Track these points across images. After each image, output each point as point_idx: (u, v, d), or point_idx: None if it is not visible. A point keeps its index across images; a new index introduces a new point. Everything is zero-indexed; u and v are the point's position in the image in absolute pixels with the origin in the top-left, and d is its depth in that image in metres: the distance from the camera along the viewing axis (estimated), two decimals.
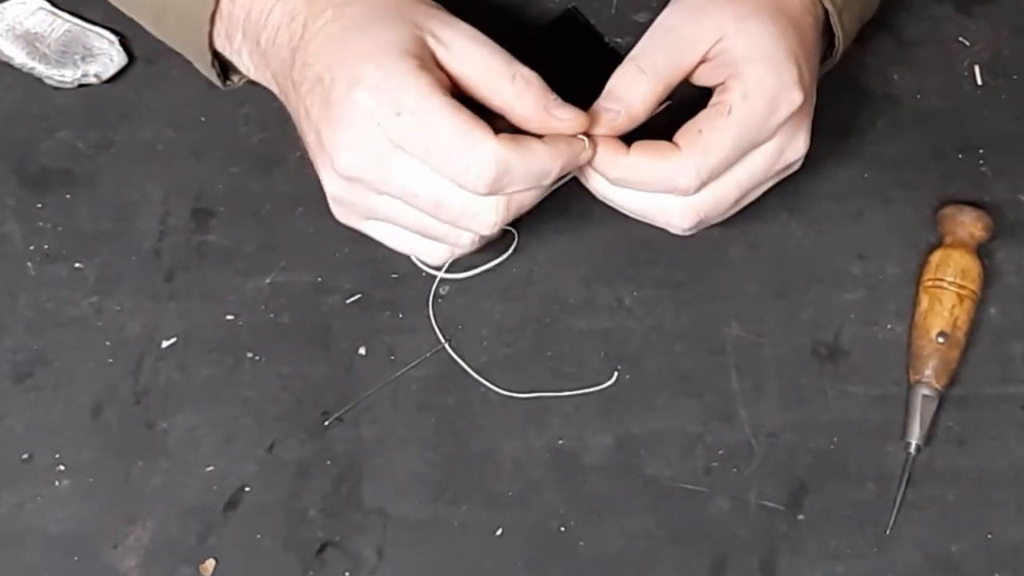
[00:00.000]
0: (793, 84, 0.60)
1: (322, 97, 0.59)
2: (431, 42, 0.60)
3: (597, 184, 0.63)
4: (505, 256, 0.70)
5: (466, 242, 0.62)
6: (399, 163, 0.59)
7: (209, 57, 0.66)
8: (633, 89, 0.61)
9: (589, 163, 0.62)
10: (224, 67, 0.68)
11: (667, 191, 0.62)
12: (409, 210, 0.61)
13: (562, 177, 0.62)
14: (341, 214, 0.64)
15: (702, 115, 0.61)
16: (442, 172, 0.58)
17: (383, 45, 0.59)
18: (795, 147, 0.63)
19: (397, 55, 0.58)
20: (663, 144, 0.61)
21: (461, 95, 0.60)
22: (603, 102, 0.62)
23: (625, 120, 0.61)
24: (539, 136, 0.60)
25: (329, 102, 0.59)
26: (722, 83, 0.61)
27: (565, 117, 0.60)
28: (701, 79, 0.63)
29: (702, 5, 0.62)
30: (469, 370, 0.67)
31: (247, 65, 0.66)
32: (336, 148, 0.59)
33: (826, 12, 0.65)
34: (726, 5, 0.61)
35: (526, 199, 0.61)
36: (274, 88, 0.65)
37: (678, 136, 0.61)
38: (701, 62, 0.62)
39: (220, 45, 0.66)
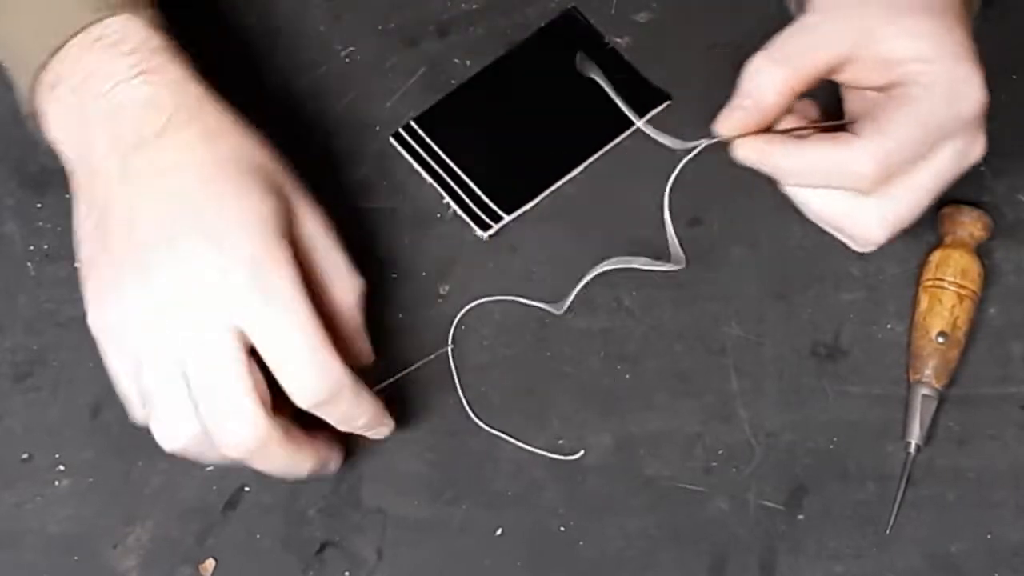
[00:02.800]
0: (972, 77, 0.57)
1: (121, 236, 0.57)
2: (295, 217, 0.58)
3: (788, 188, 0.60)
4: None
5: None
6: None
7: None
8: (762, 78, 0.57)
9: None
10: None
11: (843, 182, 0.57)
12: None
13: None
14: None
15: (878, 106, 0.58)
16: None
17: (254, 214, 0.56)
18: (979, 147, 0.59)
19: (272, 233, 0.56)
20: (839, 134, 0.58)
21: None
22: (733, 100, 0.58)
23: (755, 112, 0.57)
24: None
25: (127, 247, 0.56)
26: (892, 82, 0.58)
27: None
28: (858, 80, 0.59)
29: (844, 4, 0.58)
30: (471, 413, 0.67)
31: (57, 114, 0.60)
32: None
33: None
34: (871, 3, 0.58)
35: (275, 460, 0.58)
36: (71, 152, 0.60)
37: (854, 126, 0.58)
38: (847, 61, 0.58)
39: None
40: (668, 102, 0.73)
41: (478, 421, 0.67)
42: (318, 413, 0.58)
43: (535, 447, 0.67)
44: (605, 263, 0.66)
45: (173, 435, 0.57)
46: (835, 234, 0.62)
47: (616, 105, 0.64)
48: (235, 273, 0.56)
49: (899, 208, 0.59)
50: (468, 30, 0.76)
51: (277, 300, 0.56)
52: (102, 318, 0.58)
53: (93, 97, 0.58)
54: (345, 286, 0.61)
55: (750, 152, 0.58)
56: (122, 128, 0.58)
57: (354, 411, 0.59)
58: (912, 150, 0.57)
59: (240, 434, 0.56)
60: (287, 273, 0.56)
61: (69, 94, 0.59)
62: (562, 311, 0.68)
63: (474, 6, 0.77)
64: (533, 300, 0.69)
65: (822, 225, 0.62)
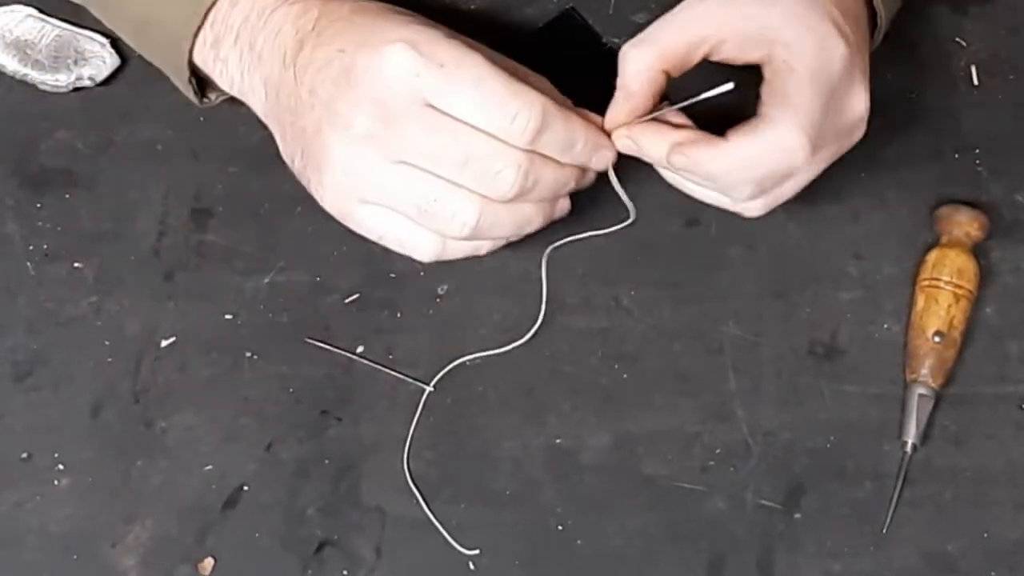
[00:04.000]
0: (833, 35, 0.59)
1: (340, 67, 0.59)
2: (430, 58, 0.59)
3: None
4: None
5: (460, 229, 0.60)
6: (428, 119, 0.58)
7: (187, 73, 0.65)
8: (629, 64, 0.61)
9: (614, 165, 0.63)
10: (202, 83, 0.67)
11: (781, 164, 0.60)
12: (418, 179, 0.59)
13: None
14: (334, 196, 0.61)
15: (768, 85, 0.60)
16: (489, 119, 0.58)
17: (413, 19, 0.60)
18: (856, 102, 0.61)
19: (429, 24, 0.59)
20: (751, 121, 0.60)
21: None
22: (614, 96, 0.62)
23: (625, 100, 0.61)
24: None
25: (351, 67, 0.58)
26: (767, 54, 0.60)
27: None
28: (734, 56, 0.61)
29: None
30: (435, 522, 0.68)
31: (232, 73, 0.64)
32: (355, 106, 0.58)
33: None
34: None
35: (544, 177, 0.60)
36: (260, 95, 0.64)
37: (762, 109, 0.60)
38: (719, 41, 0.60)
39: (202, 58, 0.65)
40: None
41: (476, 419, 0.67)
42: (539, 149, 0.59)
43: (533, 446, 0.67)
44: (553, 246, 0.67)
45: (469, 209, 0.60)
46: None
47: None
48: (405, 59, 0.57)
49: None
50: (467, 30, 0.76)
51: (451, 62, 0.58)
52: (355, 192, 0.60)
53: (255, 35, 0.63)
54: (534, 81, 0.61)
55: (628, 143, 0.62)
56: (287, 41, 0.61)
57: (570, 133, 0.60)
58: (822, 111, 0.59)
59: (523, 109, 0.58)
60: (449, 45, 0.58)
61: (232, 46, 0.63)
62: (531, 334, 0.69)
63: (473, 6, 0.77)
64: (527, 302, 0.70)
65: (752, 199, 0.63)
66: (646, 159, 0.63)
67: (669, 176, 0.64)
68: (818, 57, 0.59)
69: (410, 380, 0.68)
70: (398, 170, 0.59)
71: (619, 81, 0.61)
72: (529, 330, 0.69)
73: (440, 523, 0.65)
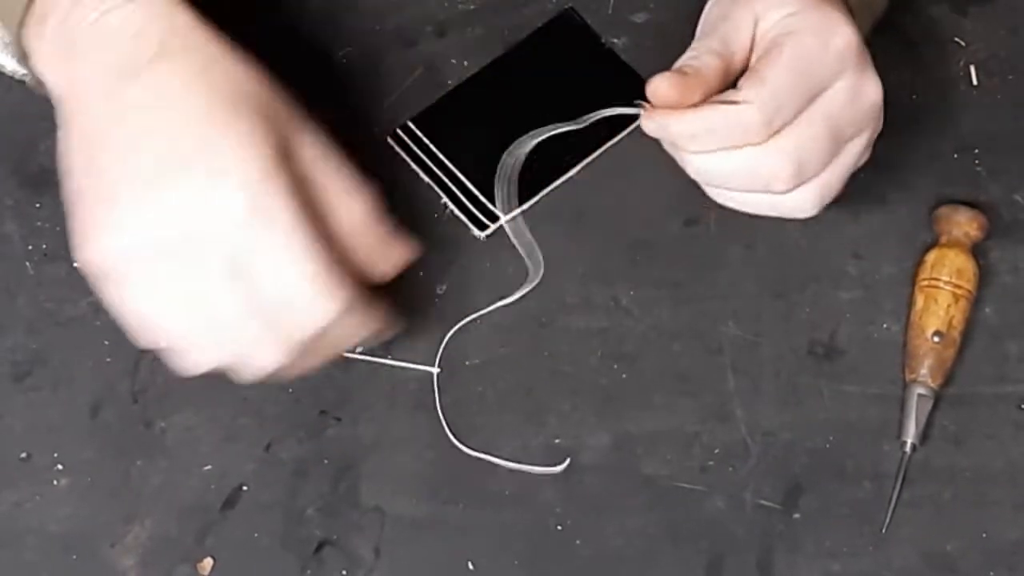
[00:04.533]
0: (841, 21, 0.59)
1: (169, 145, 0.55)
2: (292, 144, 0.57)
3: (688, 163, 0.61)
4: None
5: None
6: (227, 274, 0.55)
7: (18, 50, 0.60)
8: (699, 64, 0.59)
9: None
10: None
11: (736, 136, 0.58)
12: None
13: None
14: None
15: (754, 66, 0.60)
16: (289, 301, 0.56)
17: (250, 144, 0.55)
18: (871, 86, 0.60)
19: (269, 161, 0.55)
20: (725, 93, 0.60)
21: None
22: (659, 74, 0.60)
23: (693, 81, 0.59)
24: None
25: (180, 172, 0.55)
26: (769, 44, 0.60)
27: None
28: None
29: None
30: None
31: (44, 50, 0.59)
32: (159, 214, 0.55)
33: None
34: None
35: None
36: (55, 89, 0.58)
37: (738, 82, 0.60)
38: (750, 50, 0.61)
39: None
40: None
41: (475, 419, 0.67)
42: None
43: (533, 446, 0.67)
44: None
45: (204, 352, 0.57)
46: (768, 212, 0.63)
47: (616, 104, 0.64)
48: (233, 202, 0.54)
49: (797, 142, 0.59)
50: (466, 30, 0.76)
51: (276, 227, 0.55)
52: (98, 253, 0.56)
53: (82, 27, 0.57)
54: (352, 205, 0.59)
55: (650, 123, 0.60)
56: (113, 57, 0.56)
57: (356, 331, 0.59)
58: (793, 91, 0.58)
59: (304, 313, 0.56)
60: (286, 201, 0.55)
61: (58, 26, 0.57)
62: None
63: (472, 6, 0.77)
64: (527, 302, 0.70)
65: (739, 199, 0.63)
66: (669, 139, 0.61)
67: (714, 193, 0.63)
68: (815, 38, 0.59)
69: (414, 367, 0.68)
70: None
71: (694, 70, 0.59)
72: (530, 332, 0.69)
73: (439, 523, 0.65)
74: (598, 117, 0.64)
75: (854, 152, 0.61)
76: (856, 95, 0.60)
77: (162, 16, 0.57)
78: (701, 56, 0.60)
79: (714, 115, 0.58)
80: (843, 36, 0.59)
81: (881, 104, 0.61)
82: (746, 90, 0.58)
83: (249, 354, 0.57)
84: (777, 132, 0.58)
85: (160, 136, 0.56)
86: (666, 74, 0.59)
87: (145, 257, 0.55)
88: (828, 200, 0.62)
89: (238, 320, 0.56)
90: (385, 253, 0.62)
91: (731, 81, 0.60)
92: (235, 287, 0.55)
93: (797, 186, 0.60)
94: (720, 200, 0.63)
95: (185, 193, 0.55)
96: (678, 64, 0.60)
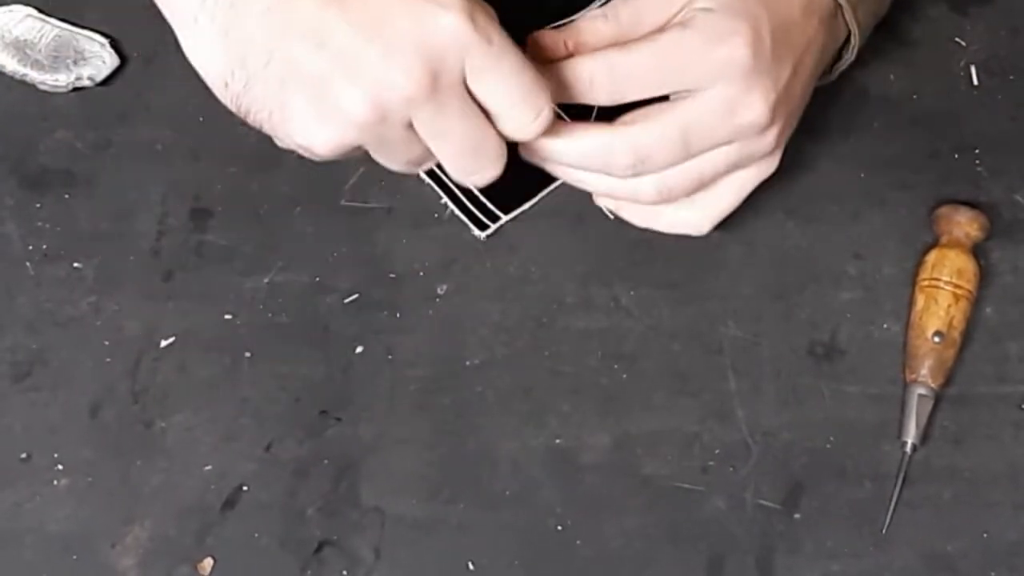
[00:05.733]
0: (738, 32, 0.58)
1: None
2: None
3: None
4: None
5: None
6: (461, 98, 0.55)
7: None
8: (591, 24, 0.60)
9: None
10: None
11: (577, 93, 0.59)
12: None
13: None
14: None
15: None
16: (517, 112, 0.56)
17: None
18: (750, 107, 0.59)
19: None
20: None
21: None
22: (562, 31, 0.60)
23: (570, 43, 0.59)
24: None
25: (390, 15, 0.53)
26: (667, 19, 0.60)
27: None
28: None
29: None
30: None
31: None
32: (386, 57, 0.53)
33: (838, 7, 0.64)
34: None
35: None
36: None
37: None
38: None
39: None
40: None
41: (475, 419, 0.67)
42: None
43: (533, 446, 0.67)
44: None
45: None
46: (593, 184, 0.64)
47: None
48: (468, 36, 0.53)
49: (646, 138, 0.59)
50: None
51: (499, 42, 0.54)
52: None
53: None
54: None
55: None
56: None
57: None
58: (651, 75, 0.58)
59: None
60: (494, 25, 0.55)
61: None
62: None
63: None
64: (527, 302, 0.70)
65: (580, 179, 0.63)
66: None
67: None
68: (701, 41, 0.58)
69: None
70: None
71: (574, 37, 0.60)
72: (530, 332, 0.69)
73: (440, 523, 0.65)
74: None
75: (714, 162, 0.61)
76: (729, 109, 0.59)
77: None
78: (597, 23, 0.59)
79: (556, 69, 0.58)
80: (733, 48, 0.58)
81: (763, 125, 0.60)
82: (601, 57, 0.58)
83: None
84: (628, 122, 0.59)
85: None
86: (550, 32, 0.59)
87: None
88: (673, 198, 0.62)
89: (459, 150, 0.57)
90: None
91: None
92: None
93: (636, 174, 0.60)
94: (569, 180, 0.63)
95: (411, 41, 0.53)
96: (585, 15, 0.60)
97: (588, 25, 0.60)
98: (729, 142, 0.61)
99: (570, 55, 0.59)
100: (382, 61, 0.53)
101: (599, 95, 0.59)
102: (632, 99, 0.59)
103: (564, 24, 0.61)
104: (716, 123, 0.60)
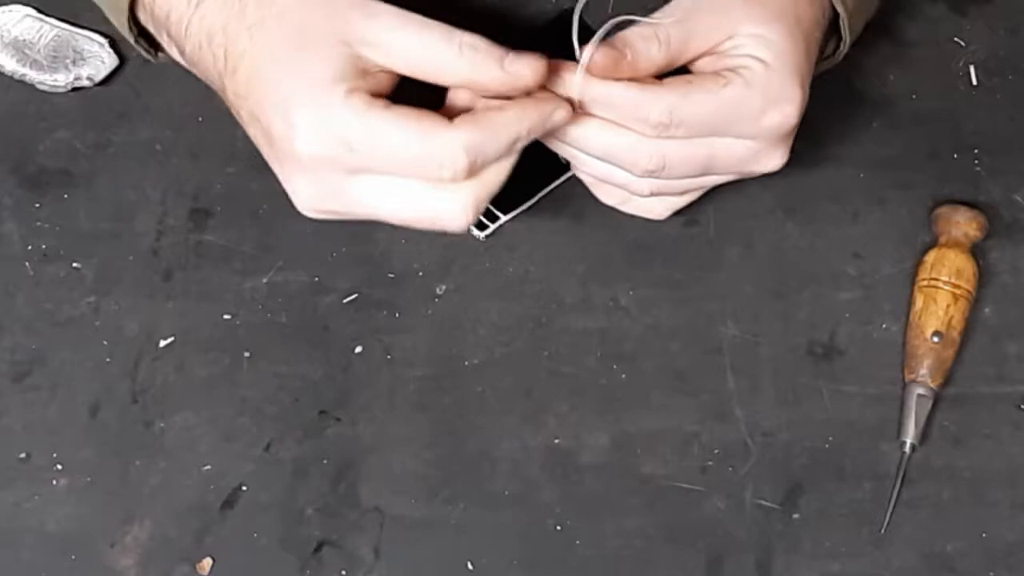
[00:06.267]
0: (792, 100, 0.60)
1: (264, 135, 0.58)
2: (362, 50, 0.57)
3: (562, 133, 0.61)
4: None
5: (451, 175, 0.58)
6: (363, 185, 0.57)
7: (132, 36, 0.65)
8: (644, 47, 0.59)
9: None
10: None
11: (631, 120, 0.59)
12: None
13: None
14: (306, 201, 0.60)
15: (699, 75, 0.60)
16: (416, 178, 0.57)
17: (308, 79, 0.56)
18: (771, 159, 0.62)
19: (325, 88, 0.56)
20: (646, 79, 0.60)
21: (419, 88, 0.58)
22: (614, 42, 0.59)
23: (627, 64, 0.59)
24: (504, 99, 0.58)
25: (272, 142, 0.58)
26: (722, 68, 0.60)
27: (523, 71, 0.57)
28: (701, 67, 0.62)
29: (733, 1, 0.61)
30: None
31: (178, 59, 0.64)
32: (294, 188, 0.59)
33: (835, 15, 0.65)
34: (748, 5, 0.61)
35: (495, 182, 0.58)
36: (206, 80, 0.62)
37: (666, 79, 0.60)
38: (707, 53, 0.61)
39: (148, 25, 0.64)
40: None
41: (475, 419, 0.67)
42: (480, 169, 0.58)
43: (532, 446, 0.67)
44: None
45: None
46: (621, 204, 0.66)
47: None
48: (327, 148, 0.57)
49: (674, 151, 0.60)
50: (466, 31, 0.76)
51: (360, 142, 0.56)
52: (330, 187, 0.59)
53: (181, 40, 0.61)
54: (451, 55, 0.58)
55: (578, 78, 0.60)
56: (217, 53, 0.59)
57: (506, 138, 0.58)
58: (705, 122, 0.59)
59: (444, 158, 0.56)
60: (354, 108, 0.56)
61: (167, 38, 0.62)
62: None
63: (472, 6, 0.77)
64: (526, 302, 0.70)
65: (595, 170, 0.63)
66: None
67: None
68: (761, 102, 0.60)
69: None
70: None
71: (632, 53, 0.59)
72: (529, 332, 0.69)
73: (439, 523, 0.65)
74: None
75: (701, 189, 0.64)
76: (754, 160, 0.62)
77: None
78: (650, 43, 0.59)
79: (624, 93, 0.59)
80: (784, 115, 0.60)
81: (779, 167, 0.63)
82: (668, 88, 0.59)
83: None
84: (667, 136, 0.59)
85: (253, 129, 0.60)
86: (608, 51, 0.59)
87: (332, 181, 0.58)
88: (674, 208, 0.66)
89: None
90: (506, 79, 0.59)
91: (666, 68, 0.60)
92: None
93: (650, 175, 0.61)
94: (576, 164, 0.64)
95: (292, 160, 0.58)
96: (634, 33, 0.59)
97: (643, 49, 0.59)
98: (737, 177, 0.63)
99: (628, 77, 0.59)
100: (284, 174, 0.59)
101: (649, 130, 0.59)
102: (680, 138, 0.60)
103: (609, 34, 0.61)
104: (739, 165, 0.62)
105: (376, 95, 0.57)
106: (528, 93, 0.58)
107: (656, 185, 0.62)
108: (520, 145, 0.58)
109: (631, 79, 0.59)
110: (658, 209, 0.66)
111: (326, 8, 0.57)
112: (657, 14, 0.60)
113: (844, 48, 0.67)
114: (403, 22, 0.57)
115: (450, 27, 0.58)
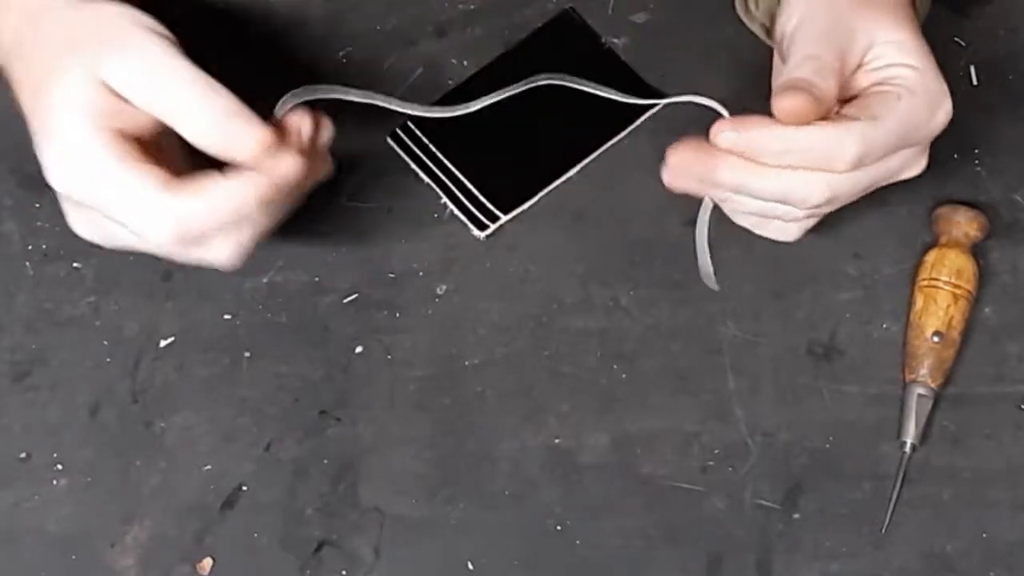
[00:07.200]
0: (947, 95, 0.59)
1: (31, 111, 0.59)
2: (112, 82, 0.56)
3: (724, 173, 0.58)
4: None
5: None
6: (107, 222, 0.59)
7: None
8: (827, 84, 0.57)
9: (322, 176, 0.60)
10: None
11: (825, 162, 0.57)
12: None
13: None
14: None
15: (869, 97, 0.58)
16: (132, 243, 0.59)
17: (60, 112, 0.57)
18: (920, 163, 0.61)
19: (74, 122, 0.56)
20: (832, 118, 0.58)
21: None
22: (798, 83, 0.56)
23: (814, 107, 0.56)
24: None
25: (34, 125, 0.59)
26: (876, 82, 0.59)
27: (243, 140, 0.56)
28: (858, 88, 0.60)
29: (851, 9, 0.60)
30: None
31: None
32: (65, 212, 0.61)
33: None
34: (867, 11, 0.60)
35: (252, 232, 0.59)
36: None
37: (843, 111, 0.58)
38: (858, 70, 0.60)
39: None
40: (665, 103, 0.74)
41: (475, 419, 0.67)
42: (193, 241, 0.58)
43: (532, 446, 0.67)
44: None
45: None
46: (758, 228, 0.63)
47: (615, 104, 0.64)
48: (66, 179, 0.58)
49: (845, 182, 0.58)
50: (466, 31, 0.76)
51: (85, 190, 0.57)
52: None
53: None
54: (190, 110, 0.57)
55: (732, 134, 0.57)
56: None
57: (212, 214, 0.57)
58: (893, 143, 0.58)
59: (149, 228, 0.57)
60: (88, 151, 0.56)
61: None
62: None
63: (472, 7, 0.77)
64: (526, 302, 0.70)
65: (759, 209, 0.61)
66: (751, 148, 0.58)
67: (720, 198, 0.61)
68: (927, 107, 0.59)
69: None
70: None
71: (817, 92, 0.56)
72: (529, 332, 0.69)
73: (439, 523, 0.65)
74: (677, 102, 0.64)
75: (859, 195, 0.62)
76: (907, 168, 0.61)
77: None
78: (826, 76, 0.57)
79: (816, 137, 0.56)
80: (945, 114, 0.59)
81: (914, 176, 0.62)
82: (857, 123, 0.56)
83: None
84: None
85: (26, 101, 0.60)
86: (799, 95, 0.56)
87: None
88: (807, 229, 0.63)
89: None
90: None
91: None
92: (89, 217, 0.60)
93: (814, 209, 0.59)
94: (731, 207, 0.62)
95: (48, 161, 0.58)
96: (803, 75, 0.57)
97: (829, 87, 0.57)
98: (887, 182, 0.61)
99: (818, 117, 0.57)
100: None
101: (843, 166, 0.57)
102: (871, 163, 0.58)
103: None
104: (892, 175, 0.60)
105: (132, 135, 0.57)
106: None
107: (811, 211, 0.60)
108: (254, 212, 0.58)
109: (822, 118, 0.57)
110: (794, 232, 0.63)
111: (78, 43, 0.58)
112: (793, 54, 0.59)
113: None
114: (156, 63, 0.57)
115: (204, 82, 0.56)
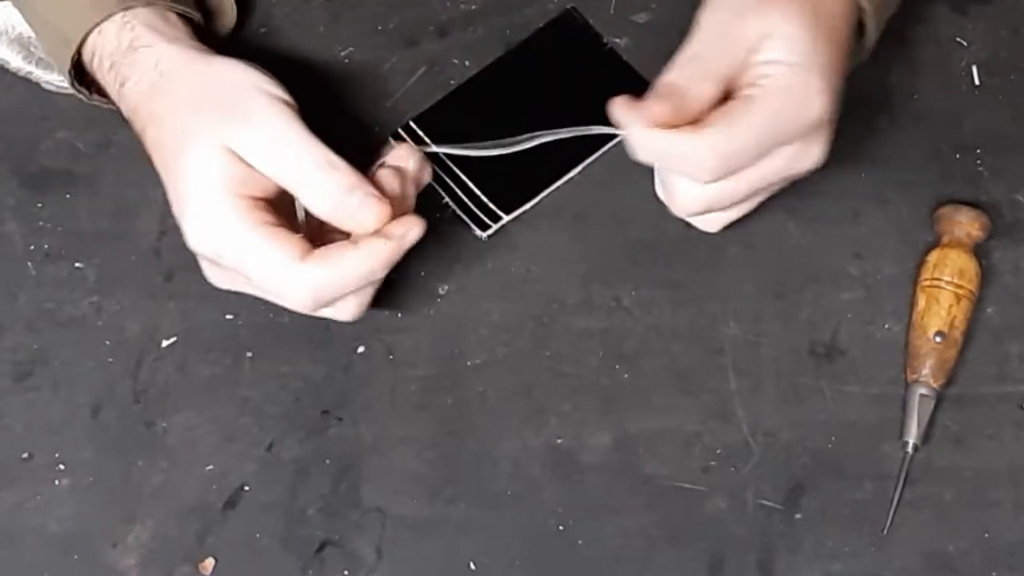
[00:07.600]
0: (821, 91, 0.59)
1: (165, 177, 0.63)
2: (239, 151, 0.60)
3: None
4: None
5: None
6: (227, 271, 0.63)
7: (70, 78, 0.68)
8: (694, 89, 0.59)
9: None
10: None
11: (688, 171, 0.60)
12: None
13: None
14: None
15: (729, 104, 0.59)
16: (270, 298, 0.62)
17: (195, 180, 0.60)
18: (811, 157, 0.61)
19: (209, 191, 0.60)
20: (687, 127, 0.59)
21: None
22: (661, 91, 0.59)
23: (673, 117, 0.59)
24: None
25: (171, 193, 0.63)
26: (749, 85, 0.60)
27: (363, 216, 0.60)
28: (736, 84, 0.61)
29: (750, 5, 0.61)
30: None
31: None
32: (204, 268, 0.64)
33: (859, 11, 0.64)
34: (774, 6, 0.60)
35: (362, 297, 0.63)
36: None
37: (704, 120, 0.59)
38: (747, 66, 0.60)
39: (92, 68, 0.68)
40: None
41: (476, 419, 0.67)
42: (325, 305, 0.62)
43: (533, 446, 0.67)
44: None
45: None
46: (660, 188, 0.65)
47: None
48: (202, 243, 0.62)
49: (720, 193, 0.61)
50: (467, 30, 0.76)
51: (227, 254, 0.61)
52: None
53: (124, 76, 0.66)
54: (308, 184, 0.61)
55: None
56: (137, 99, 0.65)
57: (346, 283, 0.61)
58: (755, 151, 0.59)
59: (288, 293, 0.61)
60: (224, 229, 0.60)
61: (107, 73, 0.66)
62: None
63: (473, 6, 0.77)
64: (527, 302, 0.70)
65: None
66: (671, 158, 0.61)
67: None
68: (793, 105, 0.59)
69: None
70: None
71: (679, 99, 0.59)
72: (531, 332, 0.69)
73: (440, 523, 0.65)
74: (575, 134, 0.65)
75: (753, 205, 0.64)
76: (797, 160, 0.61)
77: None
78: (704, 79, 0.59)
79: (673, 143, 0.59)
80: (818, 109, 0.59)
81: (820, 163, 0.62)
82: (713, 134, 0.58)
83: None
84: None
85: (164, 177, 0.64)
86: (662, 103, 0.59)
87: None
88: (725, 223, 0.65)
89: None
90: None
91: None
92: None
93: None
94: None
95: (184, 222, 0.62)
96: (678, 79, 0.59)
97: (700, 93, 0.59)
98: (783, 184, 0.63)
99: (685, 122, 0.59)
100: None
101: (708, 176, 0.59)
102: (741, 170, 0.60)
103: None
104: (785, 171, 0.61)
105: (262, 199, 0.61)
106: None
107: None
108: (376, 278, 0.62)
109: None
110: (714, 226, 0.65)
111: (205, 111, 0.61)
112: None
113: (868, 45, 0.66)
114: (279, 135, 0.61)
115: (321, 154, 0.61)
